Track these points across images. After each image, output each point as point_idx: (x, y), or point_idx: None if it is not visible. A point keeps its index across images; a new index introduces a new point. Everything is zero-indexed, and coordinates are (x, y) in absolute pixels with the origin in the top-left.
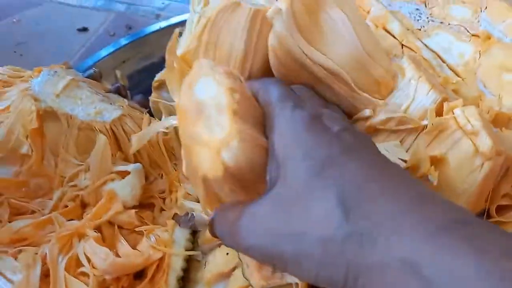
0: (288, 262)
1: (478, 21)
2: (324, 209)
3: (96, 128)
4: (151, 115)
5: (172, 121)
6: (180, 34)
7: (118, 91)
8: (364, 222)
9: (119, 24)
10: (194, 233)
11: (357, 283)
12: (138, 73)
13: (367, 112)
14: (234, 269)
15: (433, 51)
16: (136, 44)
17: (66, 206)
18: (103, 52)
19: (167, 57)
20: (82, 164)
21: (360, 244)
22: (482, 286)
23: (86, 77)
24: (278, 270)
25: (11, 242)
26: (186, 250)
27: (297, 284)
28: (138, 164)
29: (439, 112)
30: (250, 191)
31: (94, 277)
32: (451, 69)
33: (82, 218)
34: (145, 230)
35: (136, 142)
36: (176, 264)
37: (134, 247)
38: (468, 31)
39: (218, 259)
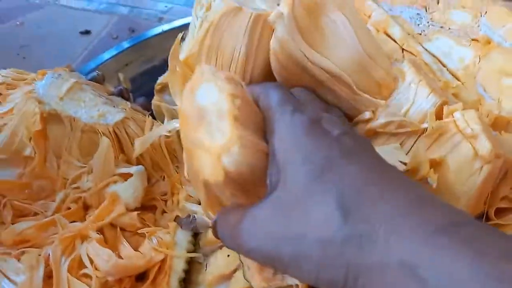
0: (289, 264)
1: (478, 26)
2: (324, 212)
3: (99, 130)
4: (154, 117)
5: (175, 124)
6: (183, 38)
7: (121, 94)
8: (363, 224)
9: (122, 27)
10: (196, 235)
11: (357, 284)
12: (141, 76)
13: (367, 114)
14: (235, 271)
15: (433, 56)
16: (139, 47)
17: (69, 208)
18: (106, 55)
19: (170, 61)
20: (85, 166)
21: (360, 245)
22: None
23: (89, 80)
24: (279, 272)
25: (14, 244)
26: (188, 252)
27: (297, 285)
28: (140, 166)
29: (439, 116)
30: (250, 195)
31: (97, 278)
32: (451, 73)
33: (85, 220)
34: (147, 232)
35: (139, 146)
36: (178, 266)
37: (136, 249)
38: (468, 36)
39: (220, 261)
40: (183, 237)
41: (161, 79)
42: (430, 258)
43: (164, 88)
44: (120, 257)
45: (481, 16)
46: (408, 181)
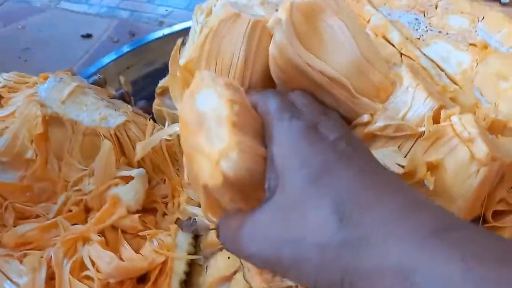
0: (288, 267)
1: (476, 31)
2: (320, 216)
3: (101, 133)
4: (154, 120)
5: (176, 128)
6: (184, 43)
7: (122, 97)
8: (358, 228)
9: (122, 31)
10: (196, 237)
11: (353, 287)
12: (142, 79)
13: (365, 117)
14: (235, 272)
15: (431, 60)
16: (140, 51)
17: (70, 211)
18: (107, 59)
19: (170, 66)
20: (86, 169)
21: (355, 250)
22: None
23: (90, 83)
24: (279, 276)
25: (17, 246)
26: (189, 254)
27: (297, 286)
28: (141, 169)
29: (436, 119)
30: (249, 199)
31: (98, 280)
32: (449, 78)
33: (86, 222)
34: (148, 235)
35: (140, 149)
36: (179, 268)
37: (137, 251)
38: (466, 41)
39: (220, 263)
40: (184, 239)
41: (161, 83)
42: (424, 262)
43: (165, 91)
44: (121, 259)
45: (478, 21)
46: (403, 185)
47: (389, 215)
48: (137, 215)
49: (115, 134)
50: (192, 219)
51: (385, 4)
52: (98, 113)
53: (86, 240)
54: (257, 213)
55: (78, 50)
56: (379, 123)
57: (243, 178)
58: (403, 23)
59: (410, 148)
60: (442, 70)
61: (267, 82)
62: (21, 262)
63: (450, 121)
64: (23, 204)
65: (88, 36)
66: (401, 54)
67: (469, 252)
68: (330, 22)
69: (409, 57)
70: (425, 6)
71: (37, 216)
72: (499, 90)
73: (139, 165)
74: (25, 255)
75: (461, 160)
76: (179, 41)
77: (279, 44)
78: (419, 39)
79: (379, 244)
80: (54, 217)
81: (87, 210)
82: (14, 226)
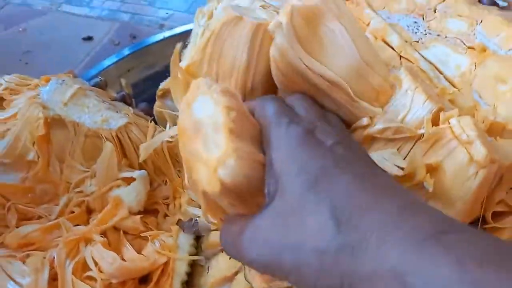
0: (289, 272)
1: (474, 34)
2: (318, 222)
3: (103, 135)
4: (156, 122)
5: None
6: (185, 45)
7: (124, 100)
8: (355, 233)
9: (123, 34)
10: (198, 238)
11: None
12: (143, 81)
13: (364, 121)
14: (236, 273)
15: (430, 63)
16: (140, 54)
17: (72, 212)
18: (108, 62)
19: (171, 68)
20: (88, 171)
21: (352, 255)
22: None
23: (92, 86)
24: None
25: (19, 247)
26: (190, 255)
27: None
28: (143, 170)
29: (435, 122)
30: (248, 204)
31: (101, 281)
32: (447, 80)
33: (88, 223)
34: (149, 236)
35: (143, 151)
36: (181, 269)
37: (139, 252)
38: (464, 44)
39: (221, 264)
40: (185, 240)
41: (162, 85)
42: (421, 265)
43: (166, 93)
44: (123, 260)
45: (476, 24)
46: (401, 189)
47: (386, 218)
48: (139, 216)
49: (117, 136)
50: (193, 220)
51: (384, 8)
52: (100, 115)
53: (88, 241)
54: (257, 218)
55: (79, 52)
56: (378, 126)
57: (241, 185)
58: (402, 26)
59: (409, 151)
60: (440, 72)
61: (269, 85)
62: (24, 262)
63: (449, 123)
64: (25, 206)
65: (89, 38)
66: (401, 57)
67: (467, 254)
68: (330, 26)
69: (408, 60)
70: (424, 9)
71: (39, 217)
72: (498, 92)
73: (141, 167)
74: (27, 255)
75: (460, 162)
76: (179, 44)
77: (280, 48)
78: (418, 42)
79: (376, 248)
80: (56, 218)
81: (89, 212)
82: (17, 227)
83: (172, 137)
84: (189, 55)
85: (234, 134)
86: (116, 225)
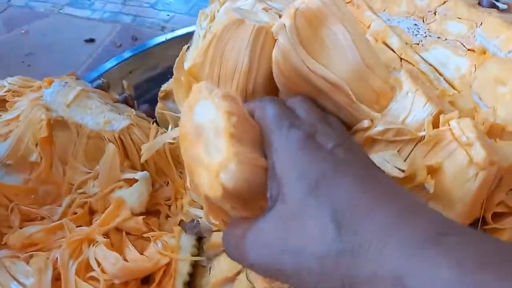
0: (290, 276)
1: (474, 37)
2: (319, 226)
3: (105, 137)
4: (157, 124)
5: None
6: (188, 47)
7: (126, 101)
8: (355, 237)
9: (125, 36)
10: (200, 239)
11: None
12: (144, 83)
13: (365, 123)
14: (238, 273)
15: (430, 65)
16: (142, 55)
17: (75, 213)
18: (110, 64)
19: (175, 70)
20: (90, 172)
21: (353, 259)
22: None
23: (94, 88)
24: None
25: (23, 247)
26: (192, 255)
27: None
28: (145, 172)
29: (435, 124)
30: (250, 208)
31: (104, 281)
32: (447, 82)
33: (91, 224)
34: (152, 236)
35: (145, 152)
36: (183, 269)
37: (141, 253)
38: (464, 46)
39: (223, 265)
40: (187, 241)
41: (164, 87)
42: (418, 267)
43: (168, 95)
44: (126, 260)
45: (476, 27)
46: (401, 191)
47: (386, 221)
48: (141, 217)
49: (119, 138)
50: (195, 221)
51: (384, 10)
52: (103, 116)
53: (91, 242)
54: (259, 222)
55: (81, 54)
56: (379, 127)
57: (242, 189)
58: (402, 28)
59: (410, 153)
60: (441, 74)
61: (271, 87)
62: (27, 263)
63: (449, 125)
64: (28, 207)
65: (91, 41)
66: (401, 59)
67: (467, 256)
68: (333, 29)
69: (408, 62)
70: (424, 12)
71: (42, 218)
72: (497, 94)
73: (143, 168)
74: (31, 256)
75: (460, 164)
76: (185, 47)
77: (282, 49)
78: (418, 44)
79: (376, 250)
80: (59, 219)
81: (92, 212)
82: (20, 228)
83: (174, 138)
84: (191, 57)
85: (235, 139)
86: (118, 226)
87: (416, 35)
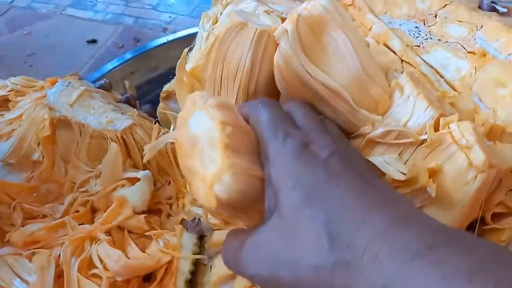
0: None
1: (474, 39)
2: (313, 238)
3: (108, 136)
4: (159, 124)
5: None
6: (190, 48)
7: (128, 101)
8: (348, 250)
9: (127, 37)
10: (201, 237)
11: None
12: (146, 83)
13: (367, 129)
14: None
15: (431, 67)
16: (144, 57)
17: (77, 211)
18: (112, 64)
19: (177, 71)
20: (93, 171)
21: (346, 271)
22: None
23: (97, 88)
24: None
25: (25, 245)
26: (194, 254)
27: None
28: (147, 171)
29: (436, 127)
30: (246, 218)
31: (106, 278)
32: (448, 84)
33: (93, 222)
34: (154, 235)
35: (148, 152)
36: (184, 267)
37: (143, 251)
38: (464, 48)
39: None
40: (188, 240)
41: (166, 87)
42: (407, 282)
43: (170, 95)
44: (128, 258)
45: (477, 30)
46: (394, 197)
47: (378, 230)
48: (143, 216)
49: (122, 137)
50: (196, 220)
51: (386, 13)
52: (105, 116)
53: (93, 240)
54: (257, 233)
55: (84, 55)
56: (380, 130)
57: (237, 200)
58: (403, 31)
59: (411, 155)
60: (441, 76)
61: (272, 89)
62: (30, 260)
63: (449, 128)
64: (31, 205)
65: (94, 41)
66: (402, 61)
67: (455, 269)
68: (334, 36)
69: (409, 63)
70: (425, 15)
71: (44, 216)
72: (497, 96)
73: (145, 167)
74: (33, 253)
75: (459, 167)
76: (186, 49)
77: (284, 55)
78: (419, 46)
79: (368, 264)
80: (61, 217)
81: (94, 211)
82: (22, 226)
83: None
84: (194, 58)
85: (230, 149)
86: (120, 224)
87: (417, 37)
